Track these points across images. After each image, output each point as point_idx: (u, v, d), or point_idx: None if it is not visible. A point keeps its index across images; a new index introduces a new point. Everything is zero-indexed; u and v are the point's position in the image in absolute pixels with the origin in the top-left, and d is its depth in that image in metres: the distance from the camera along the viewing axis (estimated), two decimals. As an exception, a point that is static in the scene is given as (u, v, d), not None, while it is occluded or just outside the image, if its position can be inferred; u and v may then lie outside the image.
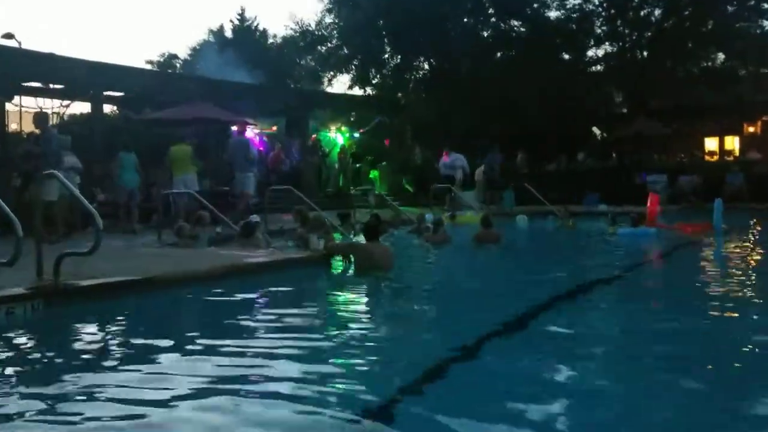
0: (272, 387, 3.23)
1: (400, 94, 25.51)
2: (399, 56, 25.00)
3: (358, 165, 21.76)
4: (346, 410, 2.88)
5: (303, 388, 3.20)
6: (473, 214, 14.53)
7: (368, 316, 5.38)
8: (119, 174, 11.59)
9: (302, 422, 2.80)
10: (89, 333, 4.64)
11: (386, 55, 25.14)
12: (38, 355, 4.08)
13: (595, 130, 26.48)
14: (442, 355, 3.76)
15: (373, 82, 25.47)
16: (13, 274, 4.97)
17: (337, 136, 23.01)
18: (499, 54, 25.06)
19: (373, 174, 21.85)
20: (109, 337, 4.57)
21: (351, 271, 7.31)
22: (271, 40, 38.97)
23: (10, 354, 4.04)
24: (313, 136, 21.48)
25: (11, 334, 4.40)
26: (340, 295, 6.30)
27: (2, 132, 15.58)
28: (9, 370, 3.68)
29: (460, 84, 22.34)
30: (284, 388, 3.19)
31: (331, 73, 26.27)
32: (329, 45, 25.71)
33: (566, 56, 25.16)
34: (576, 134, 23.80)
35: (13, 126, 18.14)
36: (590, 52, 25.14)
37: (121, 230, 11.00)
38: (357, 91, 25.54)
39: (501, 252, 9.67)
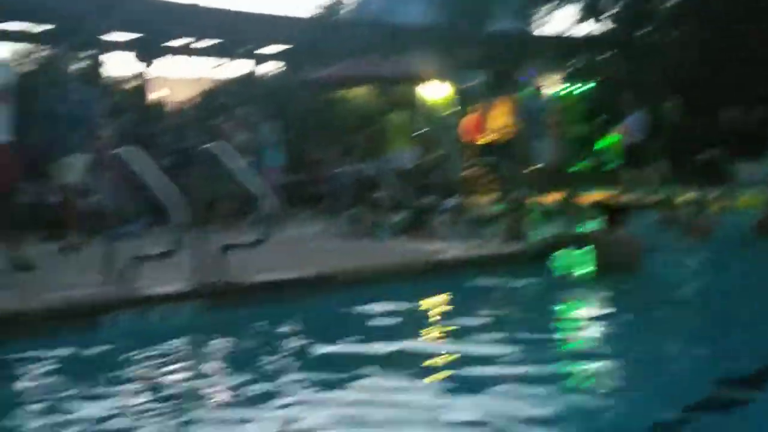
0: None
1: (640, 31, 24.29)
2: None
3: (585, 132, 21.16)
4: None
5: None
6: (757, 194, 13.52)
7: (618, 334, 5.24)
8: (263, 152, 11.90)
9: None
10: (267, 342, 4.84)
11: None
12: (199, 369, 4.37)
13: None
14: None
15: (607, 14, 24.50)
16: (164, 269, 5.44)
17: (546, 92, 22.45)
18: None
19: (605, 142, 21.11)
20: (291, 347, 4.71)
21: (581, 271, 7.19)
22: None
23: (171, 366, 4.34)
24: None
25: (172, 342, 4.74)
26: (574, 303, 6.27)
27: (142, 104, 16.95)
28: (171, 384, 3.99)
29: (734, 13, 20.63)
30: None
31: (548, 5, 25.70)
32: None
33: None
34: None
35: (155, 95, 19.59)
36: None
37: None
38: (581, 29, 24.80)
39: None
